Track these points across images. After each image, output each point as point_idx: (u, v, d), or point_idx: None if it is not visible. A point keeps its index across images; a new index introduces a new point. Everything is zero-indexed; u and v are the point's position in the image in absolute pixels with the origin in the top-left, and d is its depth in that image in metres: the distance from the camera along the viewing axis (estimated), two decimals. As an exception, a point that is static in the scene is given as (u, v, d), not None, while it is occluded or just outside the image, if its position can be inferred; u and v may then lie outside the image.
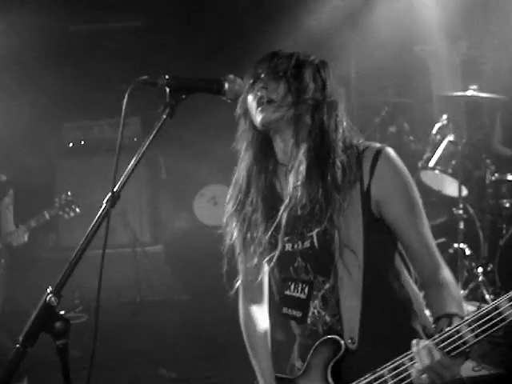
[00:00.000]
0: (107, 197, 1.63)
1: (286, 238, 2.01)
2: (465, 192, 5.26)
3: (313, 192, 1.93)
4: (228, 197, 2.16)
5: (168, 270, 6.50)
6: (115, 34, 6.35)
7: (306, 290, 1.99)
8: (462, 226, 5.18)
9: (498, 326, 1.66)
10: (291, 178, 1.99)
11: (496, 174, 5.13)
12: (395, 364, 1.82)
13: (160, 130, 1.64)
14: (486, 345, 3.99)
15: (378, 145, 1.98)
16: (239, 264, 2.20)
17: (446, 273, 1.95)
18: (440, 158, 5.14)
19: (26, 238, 4.75)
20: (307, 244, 1.98)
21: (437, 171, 5.22)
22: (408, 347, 1.78)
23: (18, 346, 1.59)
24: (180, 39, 6.09)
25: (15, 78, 6.03)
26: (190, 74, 1.72)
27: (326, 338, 1.96)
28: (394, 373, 1.82)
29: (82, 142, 6.70)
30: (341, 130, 1.98)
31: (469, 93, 5.05)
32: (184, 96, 1.69)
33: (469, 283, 5.08)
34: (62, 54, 6.36)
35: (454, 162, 5.11)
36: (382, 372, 1.84)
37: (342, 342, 1.92)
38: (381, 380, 1.84)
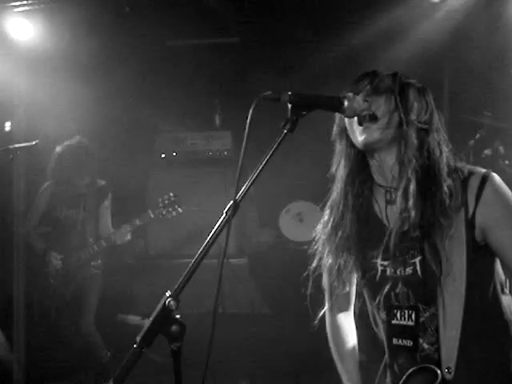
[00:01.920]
0: (228, 205, 1.67)
1: (388, 263, 2.00)
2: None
3: (424, 214, 1.89)
4: (323, 220, 2.15)
5: (251, 283, 6.54)
6: (212, 49, 6.50)
7: (413, 316, 1.97)
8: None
9: None
10: (398, 200, 1.95)
11: None
12: None
13: (280, 144, 1.68)
14: None
15: (483, 170, 1.95)
16: (328, 287, 2.21)
17: None
18: (537, 184, 4.98)
19: (129, 237, 4.95)
20: (409, 270, 1.96)
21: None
22: (506, 380, 1.78)
23: (135, 346, 1.64)
24: (276, 56, 6.17)
25: (112, 91, 6.27)
26: (311, 92, 1.75)
27: (422, 365, 1.94)
28: None
29: (174, 154, 6.87)
30: (445, 154, 1.95)
31: None
32: (304, 112, 1.72)
33: None
34: (159, 68, 6.56)
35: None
36: None
37: (439, 371, 1.89)
38: None
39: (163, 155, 6.88)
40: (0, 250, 5.20)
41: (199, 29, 6.13)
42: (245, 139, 1.63)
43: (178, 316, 1.65)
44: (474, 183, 1.92)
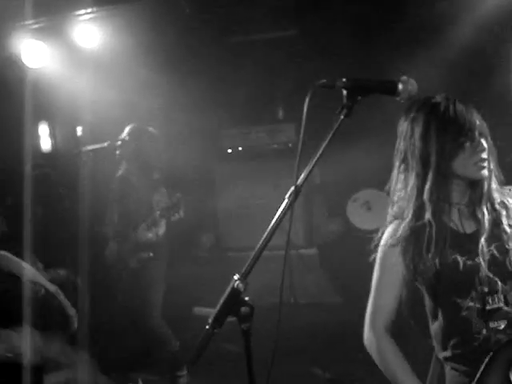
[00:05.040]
0: (290, 191, 1.74)
1: (466, 257, 2.15)
2: None
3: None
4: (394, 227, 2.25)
5: (321, 272, 6.59)
6: (272, 43, 6.56)
7: (502, 297, 2.13)
8: None
9: None
10: (482, 210, 2.18)
11: None
12: None
13: (337, 130, 1.73)
14: None
15: None
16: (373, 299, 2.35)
17: None
18: None
19: (150, 235, 4.82)
20: (488, 256, 2.13)
21: None
22: None
23: (207, 327, 1.73)
24: (336, 47, 6.15)
25: (177, 87, 6.40)
26: (366, 77, 1.80)
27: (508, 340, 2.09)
28: None
29: (240, 148, 6.98)
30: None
31: None
32: (360, 97, 1.78)
33: None
34: (223, 64, 6.66)
35: None
36: None
37: None
38: None
39: (229, 150, 7.00)
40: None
41: (259, 24, 6.18)
42: (303, 127, 1.70)
43: (246, 298, 1.72)
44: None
